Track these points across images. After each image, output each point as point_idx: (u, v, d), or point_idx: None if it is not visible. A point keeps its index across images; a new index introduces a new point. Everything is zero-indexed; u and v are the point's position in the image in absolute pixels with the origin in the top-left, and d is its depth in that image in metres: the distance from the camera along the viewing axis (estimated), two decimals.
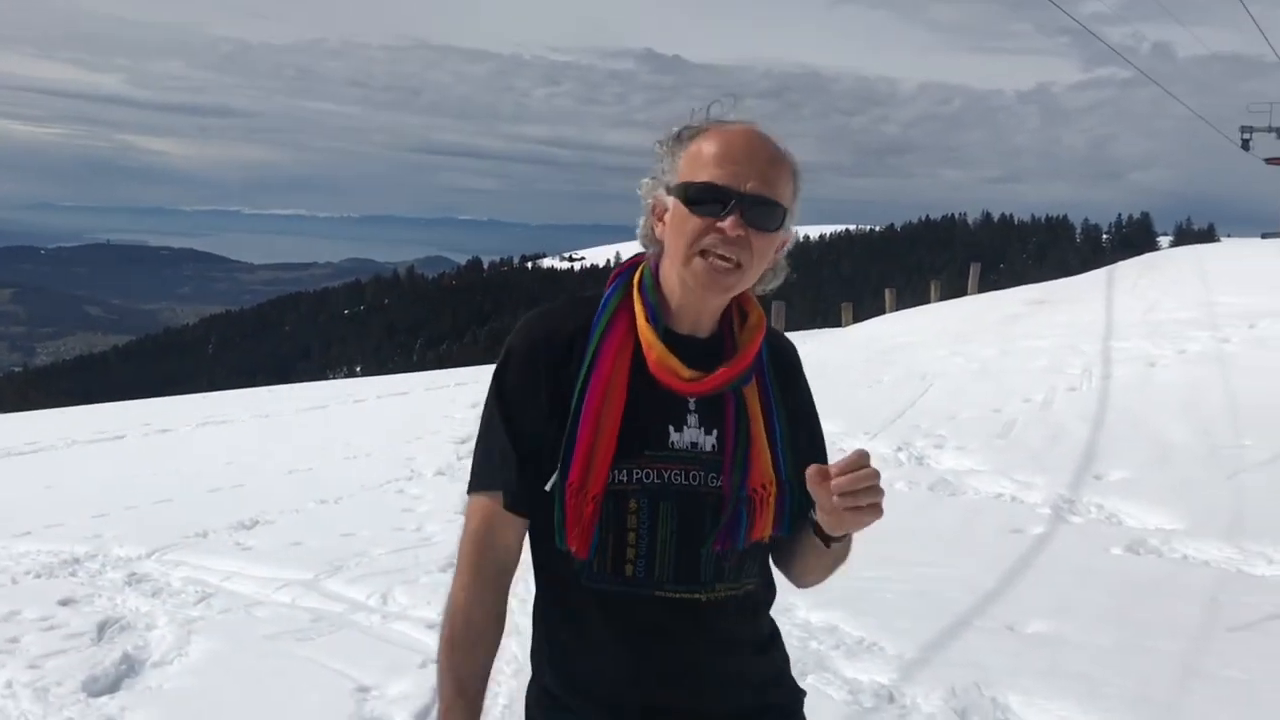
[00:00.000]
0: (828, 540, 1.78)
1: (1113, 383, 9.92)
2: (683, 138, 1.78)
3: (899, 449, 8.98)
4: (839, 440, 9.54)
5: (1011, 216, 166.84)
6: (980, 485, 7.96)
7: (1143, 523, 6.92)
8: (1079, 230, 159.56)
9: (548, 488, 1.75)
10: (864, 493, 1.64)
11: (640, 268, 1.85)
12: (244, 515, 7.82)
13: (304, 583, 6.12)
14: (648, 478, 1.76)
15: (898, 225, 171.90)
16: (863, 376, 11.74)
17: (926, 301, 21.47)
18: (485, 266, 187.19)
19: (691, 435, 1.78)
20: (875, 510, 1.66)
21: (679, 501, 1.77)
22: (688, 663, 1.80)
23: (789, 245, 1.84)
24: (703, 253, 1.72)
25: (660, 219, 1.80)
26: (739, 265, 1.72)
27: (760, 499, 1.79)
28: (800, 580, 1.97)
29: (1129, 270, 16.16)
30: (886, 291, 21.83)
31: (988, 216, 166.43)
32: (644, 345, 1.77)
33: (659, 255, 1.83)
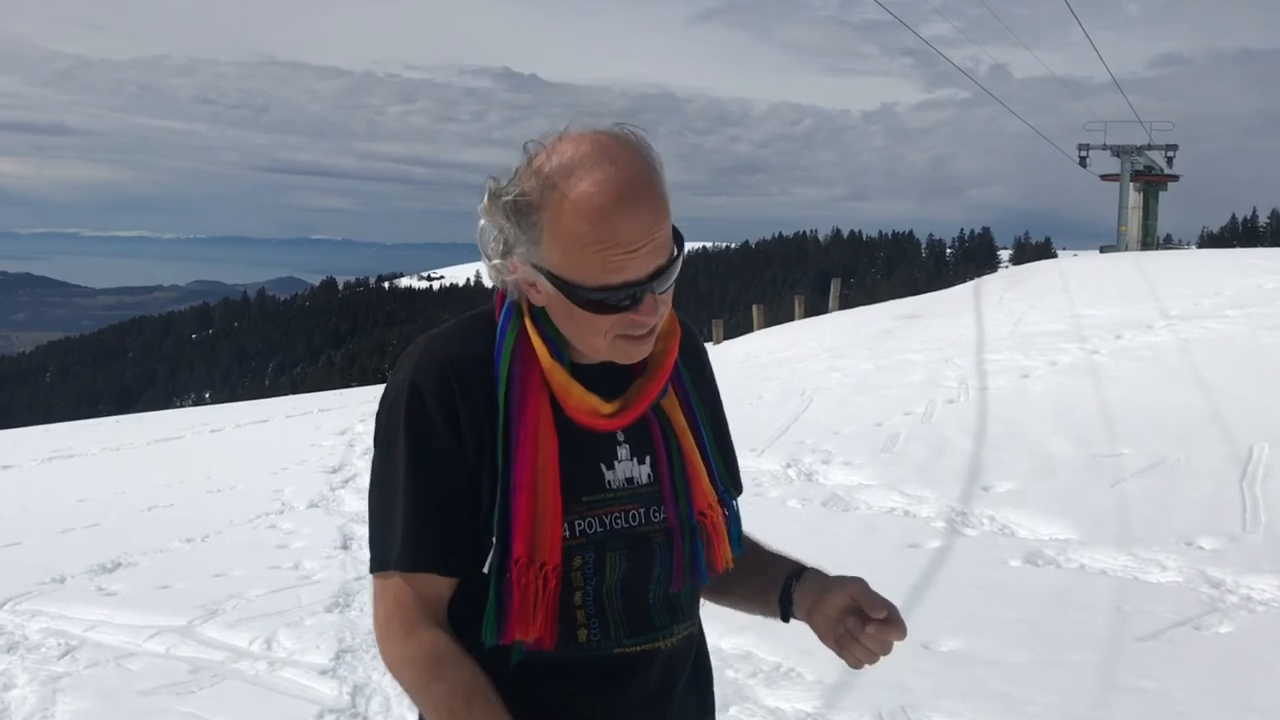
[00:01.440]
0: (789, 616, 1.68)
1: (989, 395, 10.07)
2: (520, 206, 1.42)
3: (788, 465, 8.92)
4: None
5: (860, 233, 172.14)
6: (872, 500, 7.93)
7: (1035, 533, 6.96)
8: (924, 245, 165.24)
9: (485, 569, 1.46)
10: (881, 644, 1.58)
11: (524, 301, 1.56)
12: (103, 557, 7.27)
13: (178, 630, 5.68)
14: (590, 528, 1.52)
15: (752, 242, 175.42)
16: (743, 393, 11.70)
17: (792, 317, 21.72)
18: (340, 287, 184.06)
19: (625, 470, 1.56)
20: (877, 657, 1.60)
21: (626, 548, 1.54)
22: (654, 716, 1.61)
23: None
24: (613, 336, 1.47)
25: (531, 286, 1.48)
26: (653, 331, 1.49)
27: (711, 523, 1.61)
28: (718, 600, 1.80)
29: (994, 284, 16.61)
30: (754, 308, 21.99)
31: (838, 233, 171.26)
32: (557, 389, 1.50)
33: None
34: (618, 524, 1.54)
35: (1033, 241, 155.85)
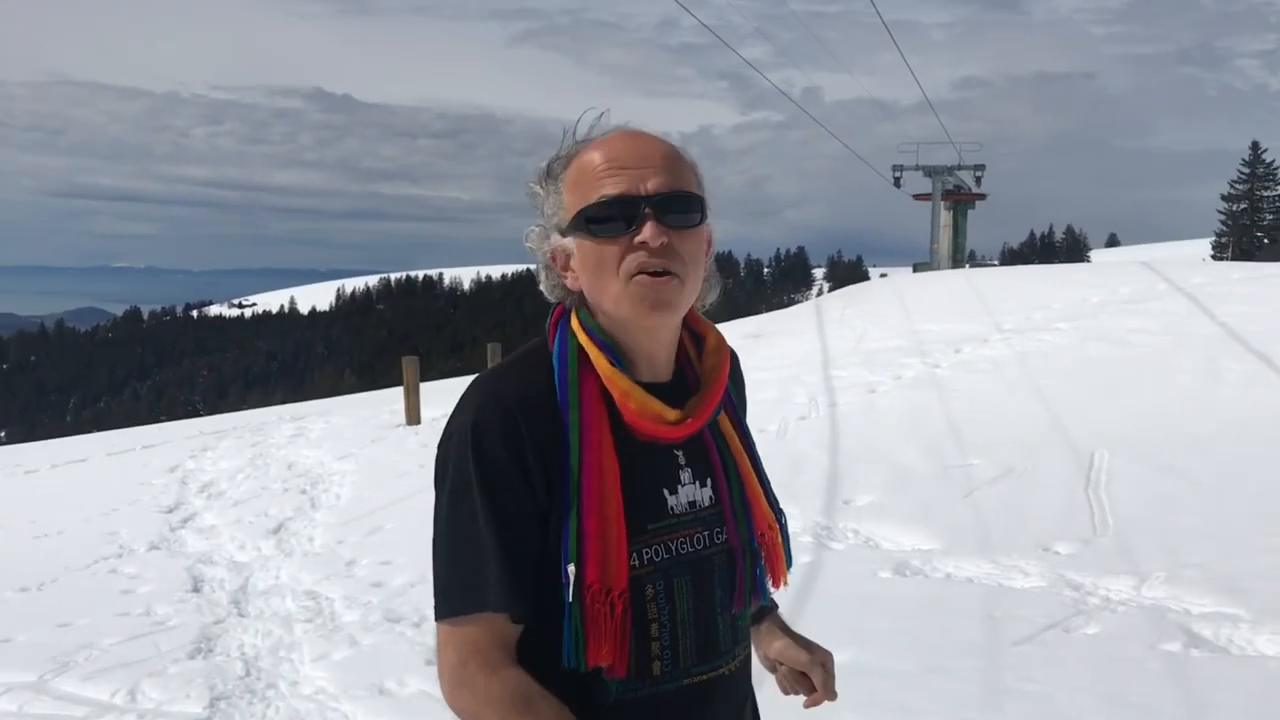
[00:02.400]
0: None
1: (839, 410, 10.32)
2: (554, 171, 1.54)
3: None
4: None
5: None
6: None
7: (899, 544, 7.15)
8: (743, 265, 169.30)
9: (569, 597, 1.45)
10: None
11: (573, 311, 1.57)
12: None
13: (29, 685, 5.29)
14: (657, 555, 1.51)
15: None
16: None
17: None
18: (145, 317, 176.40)
19: (688, 494, 1.56)
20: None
21: (691, 573, 1.54)
22: None
23: (714, 246, 1.60)
24: (630, 276, 1.47)
25: (566, 268, 1.55)
26: (674, 275, 1.47)
27: (771, 543, 1.64)
28: None
29: (834, 303, 17.05)
30: None
31: None
32: (618, 395, 1.49)
33: (583, 302, 1.56)
34: (683, 549, 1.54)
35: (845, 260, 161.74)
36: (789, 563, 1.68)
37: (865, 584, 6.42)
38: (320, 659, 5.66)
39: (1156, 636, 5.21)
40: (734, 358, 1.72)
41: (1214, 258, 62.68)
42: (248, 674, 5.49)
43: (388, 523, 8.77)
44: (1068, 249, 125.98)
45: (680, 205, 1.48)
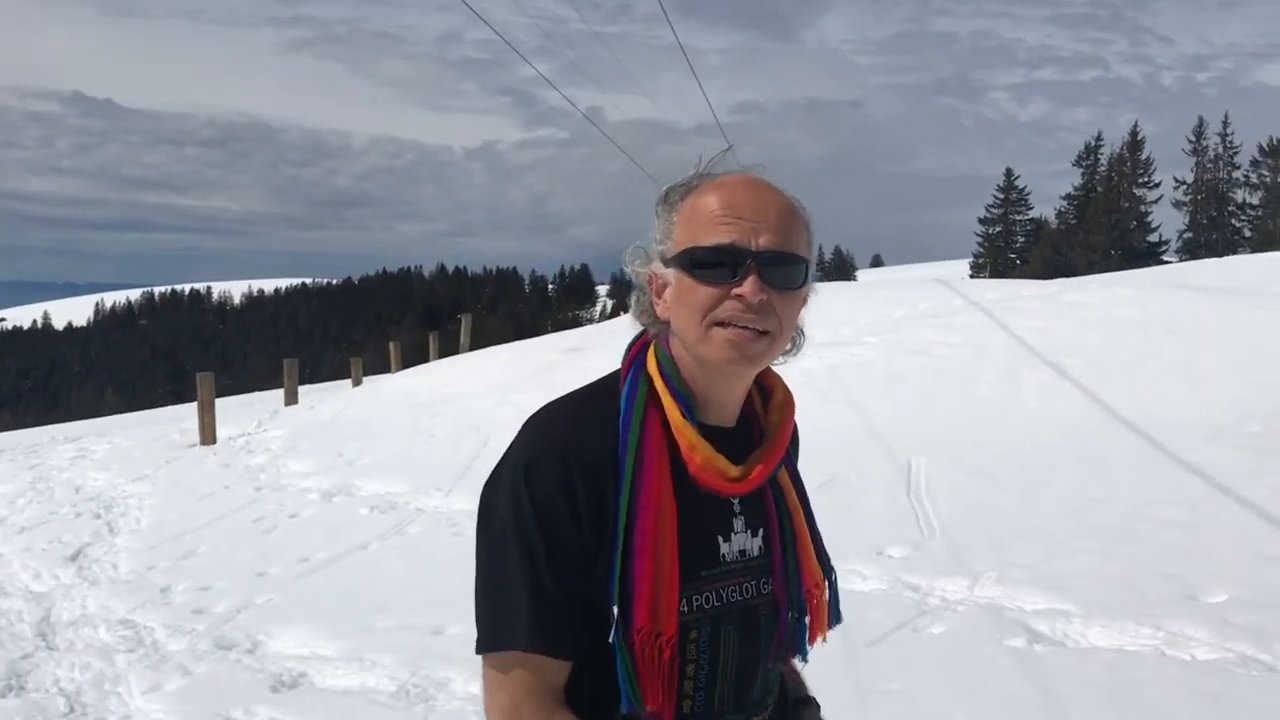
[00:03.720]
0: None
1: None
2: (672, 198, 1.53)
3: None
4: (412, 499, 9.16)
5: (465, 269, 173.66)
6: None
7: None
8: (528, 281, 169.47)
9: (612, 639, 1.43)
10: None
11: (651, 348, 1.56)
12: None
13: None
14: (708, 603, 1.50)
15: (355, 278, 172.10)
16: (413, 432, 11.40)
17: (427, 357, 21.54)
18: None
19: (740, 543, 1.55)
20: None
21: (739, 622, 1.54)
22: None
23: (805, 305, 1.58)
24: (721, 323, 1.45)
25: (660, 295, 1.53)
26: (766, 333, 1.46)
27: (816, 601, 1.63)
28: None
29: None
30: (391, 346, 21.62)
31: (443, 269, 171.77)
32: (684, 446, 1.48)
33: (665, 334, 1.55)
34: (733, 598, 1.53)
35: (627, 278, 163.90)
36: (838, 619, 1.68)
37: None
38: (152, 690, 5.28)
39: (1000, 633, 5.44)
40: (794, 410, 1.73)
41: (971, 277, 66.61)
42: (72, 710, 5.08)
43: (199, 546, 8.28)
44: (836, 268, 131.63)
45: (786, 266, 1.46)
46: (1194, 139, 70.59)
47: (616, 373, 1.57)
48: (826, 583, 1.66)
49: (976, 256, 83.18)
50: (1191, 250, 66.07)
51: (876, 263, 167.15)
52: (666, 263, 1.50)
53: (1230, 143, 70.07)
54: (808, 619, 1.62)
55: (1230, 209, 69.36)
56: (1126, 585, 5.93)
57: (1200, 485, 7.53)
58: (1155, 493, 7.50)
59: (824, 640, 1.66)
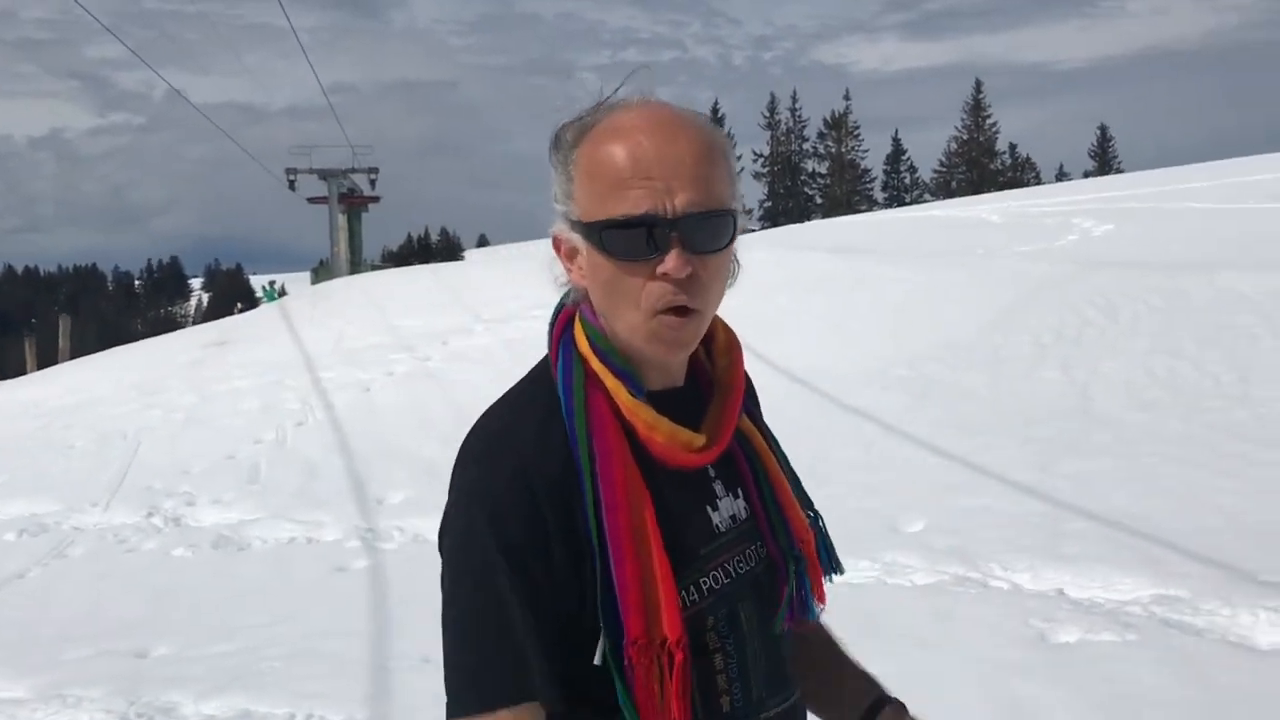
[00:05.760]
0: None
1: (338, 412, 9.97)
2: (563, 141, 1.31)
3: (149, 514, 8.05)
4: (65, 518, 8.25)
5: (38, 268, 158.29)
6: (265, 534, 7.48)
7: None
8: (110, 278, 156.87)
9: (597, 660, 1.24)
10: None
11: (577, 324, 1.36)
12: None
13: None
14: (717, 582, 1.33)
15: None
16: (45, 446, 10.24)
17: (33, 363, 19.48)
18: None
19: (726, 508, 1.39)
20: None
21: (753, 595, 1.38)
22: None
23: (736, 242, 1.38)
24: (651, 315, 1.27)
25: (571, 260, 1.34)
26: (695, 310, 1.28)
27: (810, 553, 1.44)
28: None
29: (300, 304, 16.30)
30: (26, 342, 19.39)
31: (10, 269, 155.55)
32: (641, 427, 1.30)
33: (586, 302, 1.35)
34: (741, 569, 1.37)
35: (224, 268, 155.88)
36: (835, 567, 1.50)
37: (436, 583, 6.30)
38: None
39: None
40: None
41: None
42: None
43: None
44: (444, 250, 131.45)
45: (710, 224, 1.27)
46: (768, 114, 76.54)
47: (546, 358, 1.37)
48: (814, 529, 1.47)
49: None
50: (772, 218, 71.54)
51: (483, 242, 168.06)
52: (572, 226, 1.30)
53: (799, 117, 76.63)
54: (807, 574, 1.43)
55: (802, 178, 75.91)
56: (833, 524, 6.34)
57: (871, 427, 8.20)
58: (832, 439, 8.06)
59: (823, 603, 1.47)
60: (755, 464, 1.42)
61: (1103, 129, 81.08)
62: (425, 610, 4.87)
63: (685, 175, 1.23)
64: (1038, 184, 63.13)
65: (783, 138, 76.49)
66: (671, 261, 1.23)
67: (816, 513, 1.50)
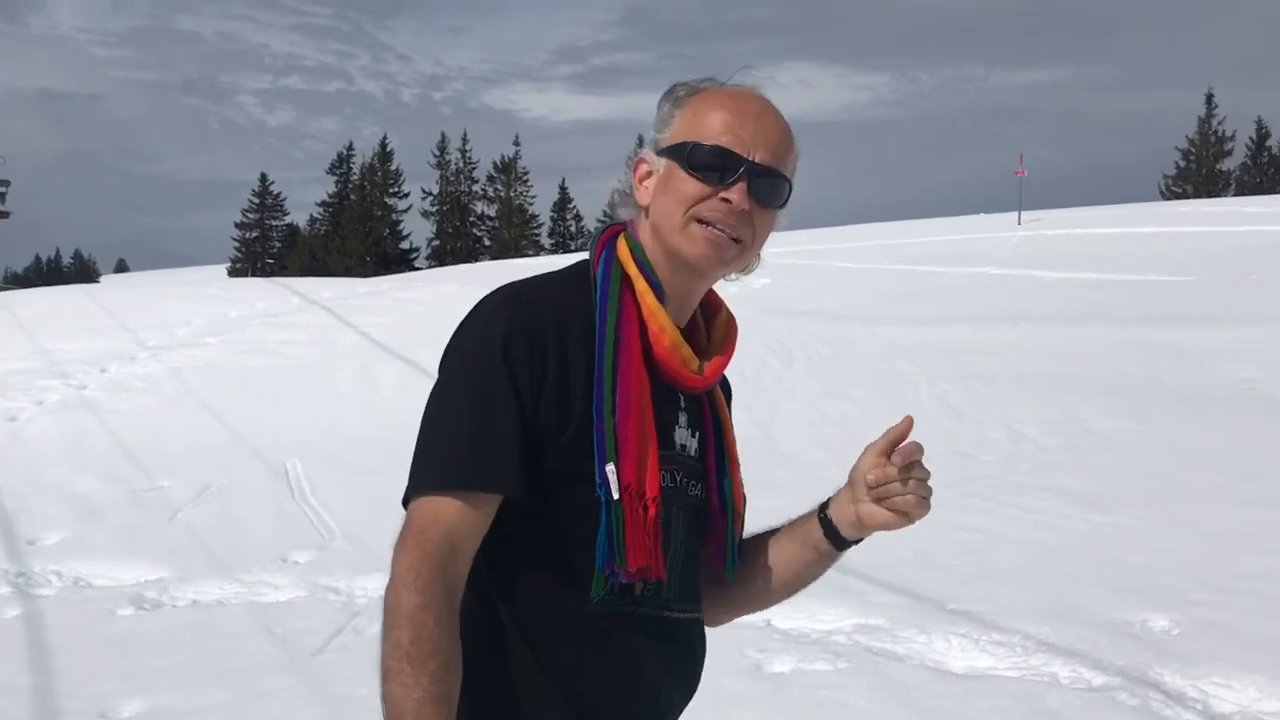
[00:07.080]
0: (843, 542, 1.62)
1: None
2: (678, 94, 1.57)
3: None
4: None
5: None
6: None
7: (118, 579, 6.47)
8: None
9: (598, 495, 1.41)
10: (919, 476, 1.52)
11: (622, 236, 1.57)
12: None
13: None
14: (671, 480, 1.52)
15: None
16: None
17: None
18: None
19: (682, 437, 1.57)
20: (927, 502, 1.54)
21: (688, 510, 1.55)
22: (684, 692, 1.59)
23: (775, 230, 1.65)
24: (702, 220, 1.50)
25: (642, 181, 1.56)
26: (739, 240, 1.52)
27: (740, 513, 1.63)
28: (744, 605, 1.73)
29: None
30: None
31: None
32: (654, 328, 1.50)
33: (635, 224, 1.58)
34: (683, 483, 1.54)
35: None
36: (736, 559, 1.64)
37: (108, 626, 5.71)
38: None
39: None
40: None
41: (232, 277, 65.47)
42: None
43: None
44: (77, 273, 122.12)
45: (773, 182, 1.52)
46: (438, 153, 76.13)
47: (581, 263, 1.56)
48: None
49: (234, 261, 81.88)
50: (440, 257, 71.11)
51: (121, 267, 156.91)
52: (660, 152, 1.54)
53: (469, 158, 76.73)
54: (737, 527, 1.62)
55: (471, 219, 75.95)
56: None
57: None
58: None
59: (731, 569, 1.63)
60: (717, 423, 1.61)
61: None
62: (97, 663, 4.46)
63: (767, 143, 1.50)
64: None
65: (452, 178, 76.16)
66: (737, 192, 1.47)
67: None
